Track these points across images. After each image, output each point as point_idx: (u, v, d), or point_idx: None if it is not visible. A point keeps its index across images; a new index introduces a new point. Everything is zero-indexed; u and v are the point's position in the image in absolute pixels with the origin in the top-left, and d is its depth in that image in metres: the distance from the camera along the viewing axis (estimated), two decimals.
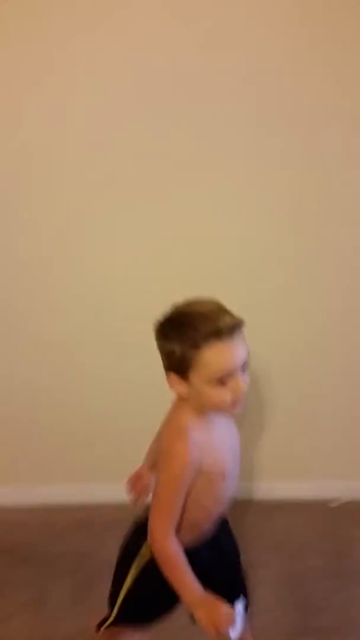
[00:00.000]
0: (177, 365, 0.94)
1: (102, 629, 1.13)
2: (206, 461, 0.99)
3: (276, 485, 2.05)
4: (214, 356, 0.91)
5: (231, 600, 0.92)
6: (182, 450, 0.97)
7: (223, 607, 0.90)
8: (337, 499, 2.03)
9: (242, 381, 0.94)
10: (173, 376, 0.97)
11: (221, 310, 0.95)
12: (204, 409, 0.99)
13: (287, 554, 1.77)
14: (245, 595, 1.12)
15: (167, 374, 0.98)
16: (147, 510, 1.03)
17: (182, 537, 1.01)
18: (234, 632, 0.89)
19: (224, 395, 0.94)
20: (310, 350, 1.90)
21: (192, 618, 0.93)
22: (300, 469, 2.05)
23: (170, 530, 0.98)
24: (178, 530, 1.00)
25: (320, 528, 1.90)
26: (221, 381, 0.92)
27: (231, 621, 0.89)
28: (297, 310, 1.87)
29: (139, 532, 1.07)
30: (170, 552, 0.97)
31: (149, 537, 1.01)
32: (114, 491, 1.42)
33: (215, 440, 1.03)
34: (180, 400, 1.03)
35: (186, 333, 0.92)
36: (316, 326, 1.87)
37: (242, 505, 1.96)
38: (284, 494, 2.04)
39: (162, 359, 0.98)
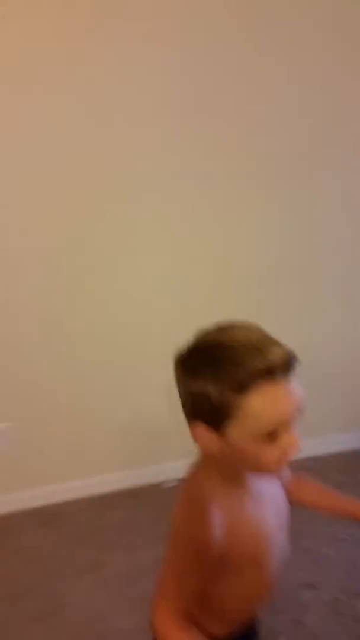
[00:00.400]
0: (210, 413, 0.72)
1: None
2: (233, 544, 0.77)
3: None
4: (265, 403, 0.69)
5: None
6: (198, 530, 0.75)
7: None
8: (170, 480, 2.07)
9: (296, 435, 0.73)
10: (202, 427, 0.74)
11: (269, 340, 0.72)
12: (238, 471, 0.80)
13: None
14: None
15: (191, 424, 0.75)
16: None
17: (208, 624, 0.86)
18: None
19: (271, 454, 0.72)
20: None
21: None
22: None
23: (176, 614, 0.78)
24: (202, 614, 0.84)
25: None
26: (271, 436, 0.71)
27: None
28: None
29: None
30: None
31: (150, 618, 0.81)
32: None
33: (249, 516, 0.81)
34: (207, 458, 0.81)
35: (226, 371, 0.69)
36: None
37: None
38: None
39: (186, 404, 0.76)
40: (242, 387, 0.68)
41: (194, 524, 0.76)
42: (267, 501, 0.85)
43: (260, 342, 0.71)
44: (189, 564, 0.77)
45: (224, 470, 0.79)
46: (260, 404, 0.69)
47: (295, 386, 0.71)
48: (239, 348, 0.70)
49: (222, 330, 0.75)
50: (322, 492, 1.01)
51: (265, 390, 0.68)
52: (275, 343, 0.72)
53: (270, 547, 0.84)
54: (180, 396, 0.76)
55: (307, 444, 0.86)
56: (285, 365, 0.69)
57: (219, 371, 0.70)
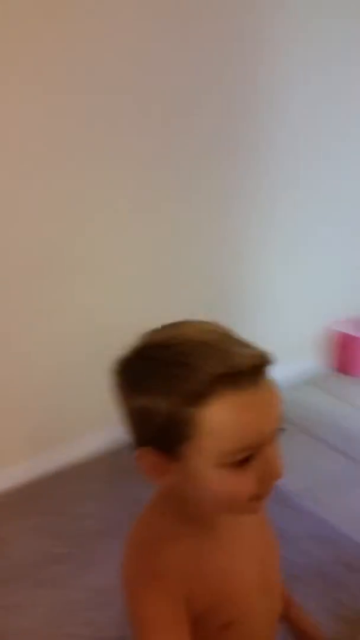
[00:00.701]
0: (160, 434, 0.55)
1: None
2: (200, 600, 0.59)
3: None
4: (230, 416, 0.52)
5: None
6: (146, 590, 0.58)
7: None
8: None
9: (278, 457, 0.56)
10: (150, 454, 0.57)
11: (232, 339, 0.57)
12: (202, 509, 0.61)
13: None
14: None
15: (137, 450, 0.58)
16: None
17: None
18: None
19: (243, 485, 0.55)
20: None
21: None
22: None
23: None
24: None
25: None
26: (242, 460, 0.54)
27: None
28: None
29: None
30: None
31: None
32: None
33: (216, 570, 0.62)
34: (162, 494, 0.64)
35: (178, 377, 0.53)
36: None
37: None
38: None
39: (130, 426, 0.59)
40: (198, 397, 0.52)
41: (146, 575, 0.58)
42: (245, 549, 0.66)
43: (221, 341, 0.55)
44: (160, 633, 0.56)
45: (183, 508, 0.61)
46: (222, 418, 0.52)
47: (272, 396, 0.55)
48: (194, 349, 0.54)
49: (171, 329, 0.59)
50: (293, 604, 0.82)
51: (229, 399, 0.52)
52: (240, 342, 0.56)
53: (251, 608, 0.64)
54: (123, 417, 0.59)
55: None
56: (254, 369, 0.53)
57: (168, 379, 0.54)
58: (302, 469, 1.95)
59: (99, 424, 1.95)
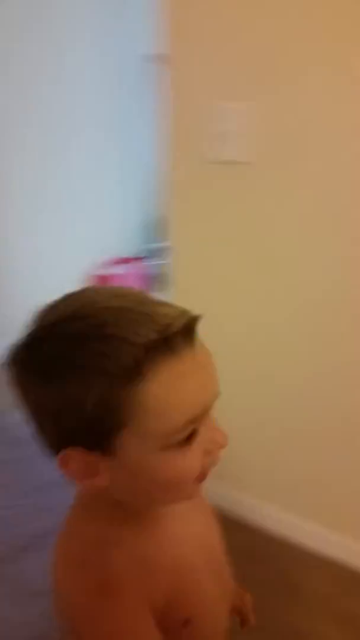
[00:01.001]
0: (88, 428, 0.46)
1: None
2: (156, 600, 0.53)
3: None
4: (172, 387, 0.45)
5: None
6: (106, 605, 0.49)
7: None
8: None
9: (219, 426, 0.51)
10: (76, 454, 0.48)
11: (147, 298, 0.48)
12: (140, 505, 0.54)
13: None
14: None
15: (59, 454, 0.48)
16: None
17: None
18: None
19: (191, 462, 0.49)
20: None
21: None
22: None
23: None
24: None
25: None
26: (186, 437, 0.48)
27: None
28: None
29: None
30: None
31: None
32: None
33: (167, 564, 0.55)
34: (88, 496, 0.55)
35: (102, 355, 0.44)
36: None
37: None
38: None
39: (43, 426, 0.48)
40: (131, 373, 0.44)
41: (99, 590, 0.49)
42: (189, 537, 0.59)
43: (139, 303, 0.46)
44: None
45: (117, 507, 0.52)
46: (163, 393, 0.45)
47: (207, 354, 0.49)
48: (113, 316, 0.44)
49: (74, 300, 0.48)
50: None
51: (167, 370, 0.45)
52: (159, 302, 0.48)
53: (206, 596, 0.59)
54: (30, 417, 0.48)
55: None
56: (186, 330, 0.46)
57: (90, 358, 0.44)
58: None
59: None
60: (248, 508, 1.62)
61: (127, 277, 2.71)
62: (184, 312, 0.47)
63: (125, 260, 2.84)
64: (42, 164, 2.37)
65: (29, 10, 2.17)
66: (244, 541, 1.52)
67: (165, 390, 0.45)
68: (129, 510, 0.53)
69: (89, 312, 0.45)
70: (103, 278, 2.68)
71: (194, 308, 0.48)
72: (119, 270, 2.74)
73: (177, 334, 0.45)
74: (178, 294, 1.52)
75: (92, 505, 0.54)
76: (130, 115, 2.73)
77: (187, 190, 1.43)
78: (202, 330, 0.49)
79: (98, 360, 0.43)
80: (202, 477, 0.51)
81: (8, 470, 1.88)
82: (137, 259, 2.90)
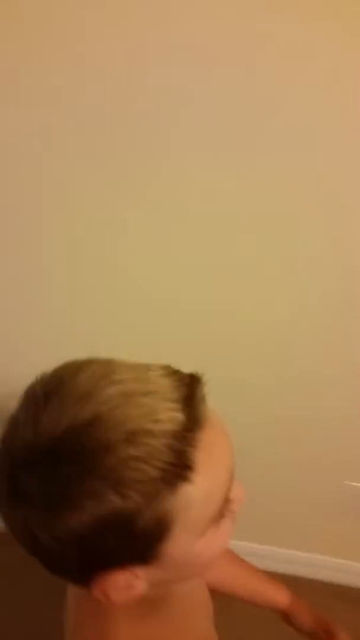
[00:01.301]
0: (132, 544, 0.39)
1: None
2: None
3: None
4: (210, 472, 0.40)
5: None
6: None
7: None
8: None
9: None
10: (121, 576, 0.41)
11: (140, 368, 0.42)
12: (163, 594, 0.50)
13: None
14: None
15: (93, 582, 0.41)
16: None
17: None
18: None
19: (225, 535, 0.45)
20: None
21: None
22: None
23: None
24: None
25: None
26: (225, 506, 0.43)
27: None
28: None
29: None
30: None
31: None
32: None
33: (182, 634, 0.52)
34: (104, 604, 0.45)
35: (137, 459, 0.37)
36: None
37: None
38: None
39: (62, 557, 0.40)
40: (175, 477, 0.37)
41: None
42: (197, 609, 0.57)
43: (140, 380, 0.40)
44: None
45: (141, 600, 0.45)
46: (205, 479, 0.39)
47: (215, 413, 0.43)
48: (123, 413, 0.37)
49: (54, 400, 0.39)
50: (241, 566, 0.73)
51: (205, 443, 0.39)
52: (157, 369, 0.41)
53: None
54: (46, 553, 0.40)
55: None
56: (200, 401, 0.40)
57: (121, 468, 0.37)
58: None
59: None
60: None
61: None
62: (189, 378, 0.41)
63: None
64: None
65: None
66: None
67: (206, 475, 0.39)
68: (148, 602, 0.47)
69: (90, 416, 0.37)
70: None
71: None
72: None
73: (199, 407, 0.40)
74: None
75: (108, 609, 0.47)
76: None
77: None
78: None
79: (127, 474, 0.37)
80: (229, 538, 0.47)
81: None
82: None
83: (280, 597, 0.76)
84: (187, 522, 0.40)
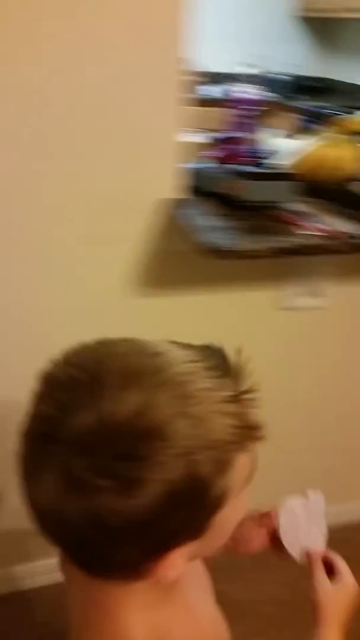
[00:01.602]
0: (198, 518, 0.41)
1: None
2: None
3: None
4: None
5: None
6: None
7: None
8: None
9: None
10: (179, 553, 0.41)
11: (178, 346, 0.43)
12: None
13: None
14: None
15: (161, 562, 0.41)
16: None
17: None
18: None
19: (245, 494, 0.45)
20: None
21: None
22: None
23: None
24: None
25: None
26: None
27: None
28: None
29: None
30: None
31: None
32: None
33: (194, 617, 0.53)
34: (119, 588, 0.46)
35: (190, 452, 0.37)
36: None
37: None
38: None
39: (115, 544, 0.39)
40: (246, 426, 0.40)
41: None
42: (201, 590, 0.58)
43: (181, 360, 0.40)
44: None
45: (152, 586, 0.44)
46: (245, 456, 0.42)
47: None
48: (173, 402, 0.38)
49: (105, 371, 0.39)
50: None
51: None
52: (192, 348, 0.43)
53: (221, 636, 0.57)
54: (102, 544, 0.39)
55: None
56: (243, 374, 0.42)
57: (196, 432, 0.38)
58: None
59: None
60: None
61: None
62: (215, 346, 0.43)
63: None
64: None
65: None
66: None
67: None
68: (157, 586, 0.45)
69: (140, 406, 0.37)
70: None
71: None
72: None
73: (239, 377, 0.41)
74: None
75: (122, 592, 0.46)
76: None
77: None
78: None
79: (204, 434, 0.38)
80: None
81: None
82: None
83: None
84: (237, 486, 0.41)
